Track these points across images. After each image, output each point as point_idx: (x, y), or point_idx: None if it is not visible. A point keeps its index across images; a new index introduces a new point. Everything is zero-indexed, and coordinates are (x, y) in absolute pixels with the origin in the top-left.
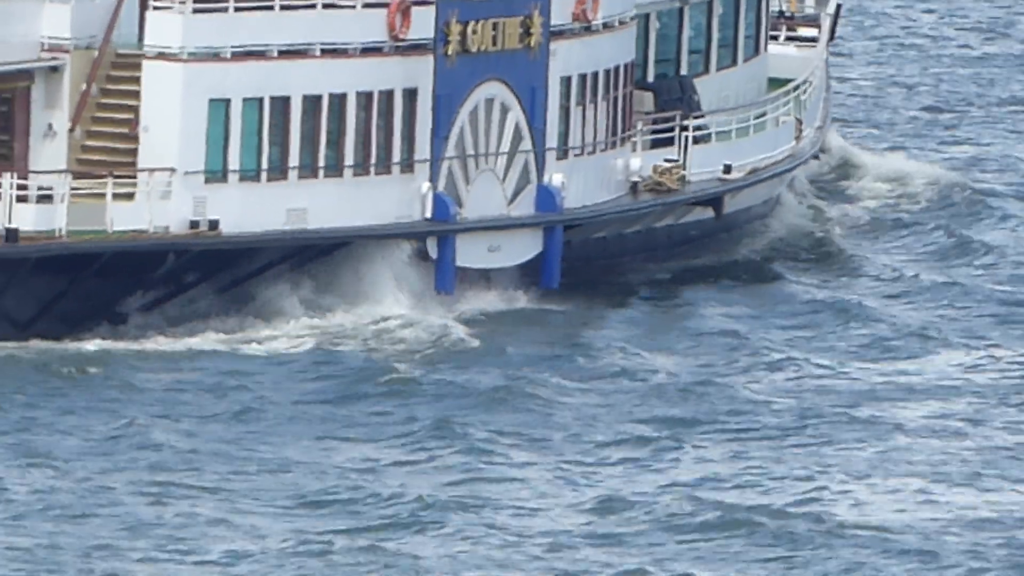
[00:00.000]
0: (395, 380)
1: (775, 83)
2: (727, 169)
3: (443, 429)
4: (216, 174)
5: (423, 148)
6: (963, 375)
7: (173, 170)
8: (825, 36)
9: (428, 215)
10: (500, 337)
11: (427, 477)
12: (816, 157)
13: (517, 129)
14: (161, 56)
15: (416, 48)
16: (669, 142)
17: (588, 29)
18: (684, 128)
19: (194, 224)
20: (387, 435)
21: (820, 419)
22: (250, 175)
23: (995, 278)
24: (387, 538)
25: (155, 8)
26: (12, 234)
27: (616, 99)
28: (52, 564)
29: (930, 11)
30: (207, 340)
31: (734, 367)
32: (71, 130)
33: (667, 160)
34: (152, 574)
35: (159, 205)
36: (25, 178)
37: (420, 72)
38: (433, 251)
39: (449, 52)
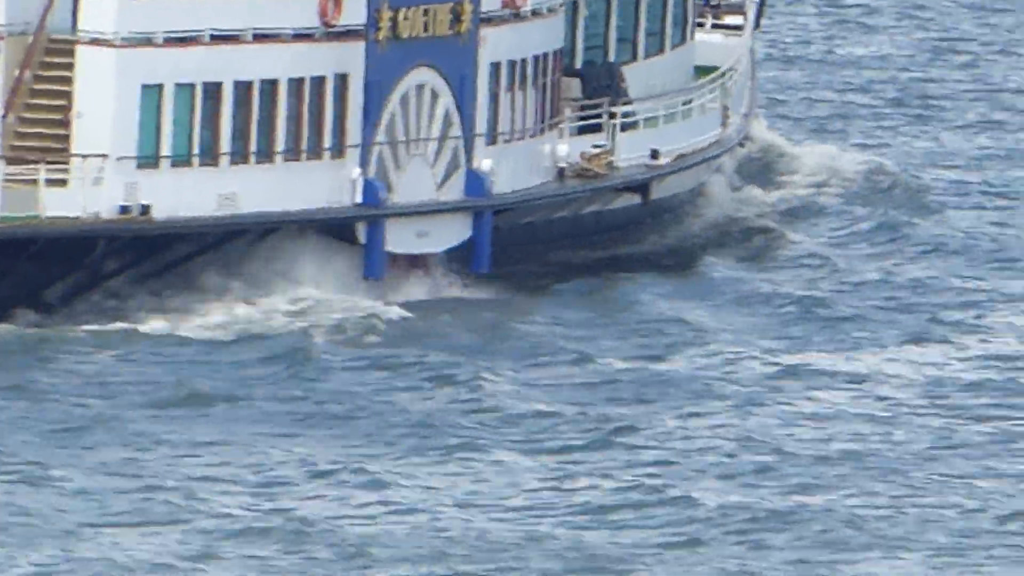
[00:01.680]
0: (322, 366)
1: (701, 71)
2: (654, 155)
3: (373, 415)
4: (148, 160)
5: (354, 134)
6: (888, 363)
7: (105, 156)
8: (751, 24)
9: (358, 200)
10: (430, 322)
11: (367, 466)
12: (742, 144)
13: (447, 115)
14: (95, 42)
15: (347, 34)
16: (597, 128)
17: (517, 16)
18: (612, 115)
19: (125, 209)
20: (317, 422)
21: (750, 402)
22: (182, 160)
23: (922, 266)
24: (313, 525)
25: None
26: None
27: (545, 85)
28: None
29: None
30: (138, 326)
31: (664, 351)
32: (4, 116)
33: (595, 146)
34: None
35: (91, 191)
36: None
37: (351, 58)
38: (362, 236)
39: (380, 38)
